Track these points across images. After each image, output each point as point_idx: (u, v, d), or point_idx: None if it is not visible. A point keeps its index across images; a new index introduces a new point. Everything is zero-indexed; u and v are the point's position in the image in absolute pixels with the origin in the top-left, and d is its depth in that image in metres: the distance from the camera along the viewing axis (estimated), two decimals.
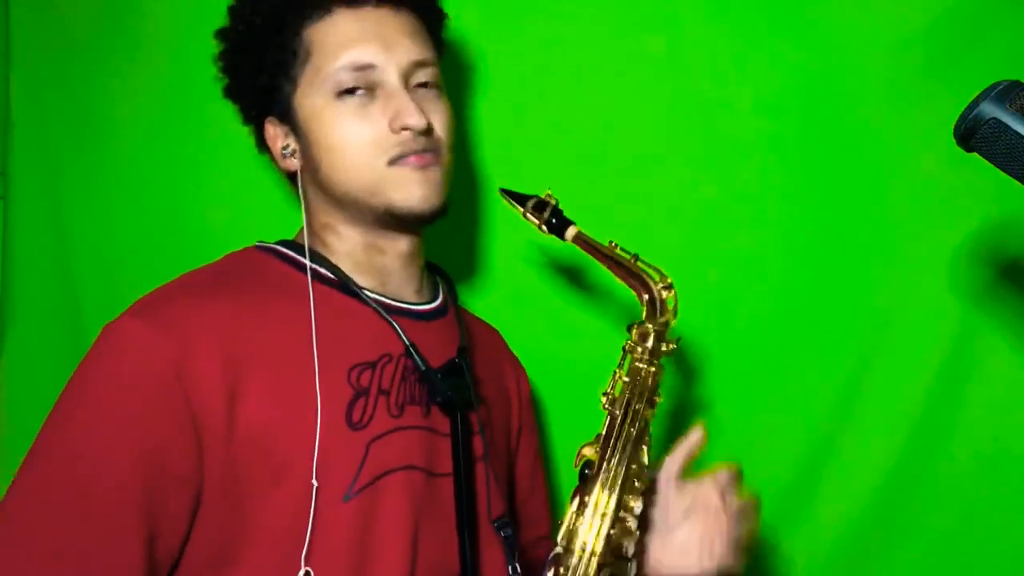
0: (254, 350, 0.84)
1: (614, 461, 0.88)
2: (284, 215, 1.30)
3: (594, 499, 0.86)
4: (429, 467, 0.89)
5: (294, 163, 0.96)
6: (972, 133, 0.71)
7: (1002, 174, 0.72)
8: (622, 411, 0.90)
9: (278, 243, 0.97)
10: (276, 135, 0.97)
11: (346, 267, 0.94)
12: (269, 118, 0.97)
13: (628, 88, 1.23)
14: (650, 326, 0.92)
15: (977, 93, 0.71)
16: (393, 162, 0.91)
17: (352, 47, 0.91)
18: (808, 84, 1.20)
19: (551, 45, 1.24)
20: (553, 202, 0.95)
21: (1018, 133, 0.69)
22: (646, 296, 0.92)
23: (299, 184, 0.98)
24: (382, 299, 0.94)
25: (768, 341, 1.26)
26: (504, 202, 0.99)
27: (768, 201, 1.23)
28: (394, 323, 0.91)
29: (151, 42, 1.32)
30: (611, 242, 0.94)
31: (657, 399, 0.93)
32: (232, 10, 0.98)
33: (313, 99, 0.92)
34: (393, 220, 0.93)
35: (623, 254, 0.93)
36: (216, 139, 1.30)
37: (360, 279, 0.94)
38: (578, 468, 0.90)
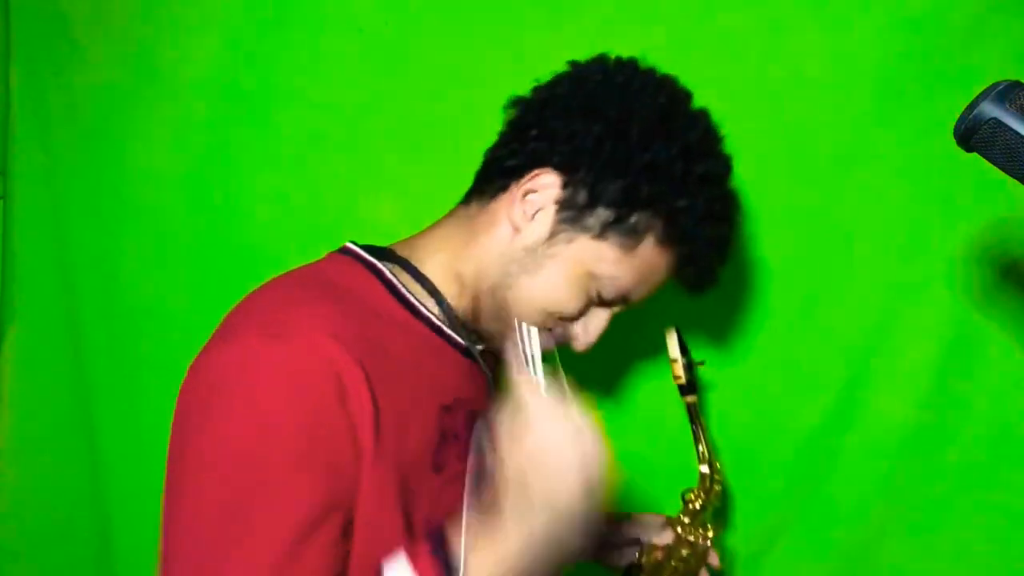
0: (378, 375, 0.75)
1: None
2: (285, 214, 1.31)
3: None
4: None
5: (526, 225, 0.85)
6: (972, 133, 0.71)
7: (1002, 174, 0.72)
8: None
9: (376, 255, 0.87)
10: (549, 186, 0.85)
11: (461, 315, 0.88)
12: (551, 168, 0.85)
13: None
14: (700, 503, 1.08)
15: (977, 93, 0.71)
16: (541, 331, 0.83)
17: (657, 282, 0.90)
18: (807, 83, 1.20)
19: (552, 45, 1.24)
20: (695, 374, 1.07)
21: (1018, 133, 0.69)
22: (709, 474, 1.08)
23: (493, 219, 0.87)
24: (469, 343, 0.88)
25: (767, 341, 1.26)
26: (666, 334, 1.04)
27: (767, 201, 1.23)
28: (485, 367, 0.88)
29: (151, 42, 1.32)
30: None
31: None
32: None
33: (603, 248, 0.84)
34: None
35: (706, 446, 1.07)
36: (216, 139, 1.30)
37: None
38: None
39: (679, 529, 1.07)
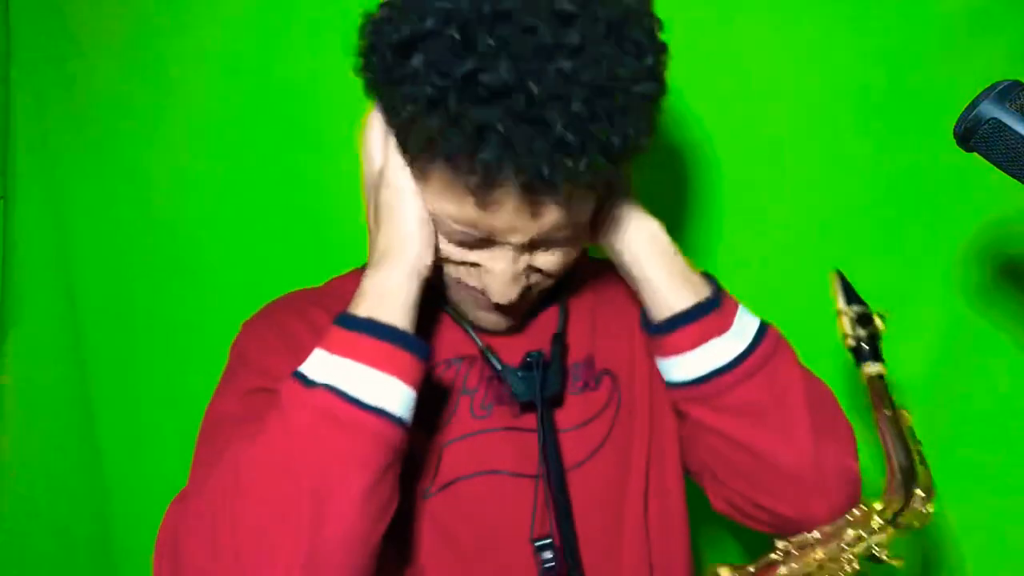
0: None
1: None
2: (286, 214, 1.31)
3: None
4: (518, 469, 0.83)
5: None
6: (972, 133, 0.71)
7: (1002, 174, 0.72)
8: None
9: None
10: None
11: None
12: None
13: None
14: (882, 517, 0.71)
15: (977, 93, 0.71)
16: None
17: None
18: (806, 83, 1.20)
19: None
20: (881, 327, 0.79)
21: (1018, 133, 0.69)
22: (903, 485, 0.71)
23: None
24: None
25: None
26: (831, 280, 0.82)
27: (766, 201, 1.23)
28: (469, 328, 0.85)
29: (152, 42, 1.32)
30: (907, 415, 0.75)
31: None
32: None
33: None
34: None
35: (911, 437, 0.73)
36: (217, 139, 1.30)
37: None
38: None
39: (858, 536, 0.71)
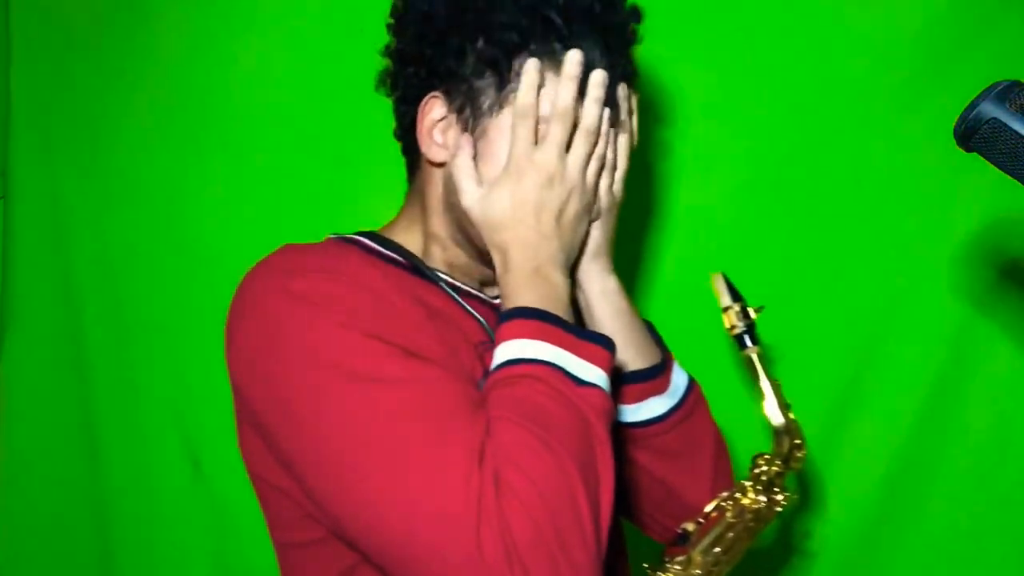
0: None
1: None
2: (286, 215, 1.31)
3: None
4: None
5: (443, 154, 0.83)
6: (972, 133, 0.71)
7: (1002, 174, 0.72)
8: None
9: (359, 234, 0.88)
10: (436, 111, 0.83)
11: (440, 268, 0.87)
12: (436, 93, 0.83)
13: None
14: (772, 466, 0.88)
15: (977, 93, 0.71)
16: None
17: None
18: (806, 83, 1.20)
19: None
20: (755, 318, 0.91)
21: (1018, 133, 0.69)
22: (784, 440, 0.89)
23: (427, 179, 0.86)
24: (473, 293, 0.87)
25: (767, 342, 1.26)
26: (714, 282, 0.92)
27: (766, 202, 1.23)
28: (476, 314, 0.84)
29: (152, 42, 1.32)
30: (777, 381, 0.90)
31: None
32: None
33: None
34: None
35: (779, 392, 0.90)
36: (216, 139, 1.30)
37: (451, 276, 0.87)
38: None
39: (744, 496, 0.87)
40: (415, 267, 0.85)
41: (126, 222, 1.35)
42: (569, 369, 0.71)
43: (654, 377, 0.89)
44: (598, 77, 0.80)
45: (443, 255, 0.87)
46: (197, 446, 1.36)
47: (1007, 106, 0.70)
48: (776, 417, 0.89)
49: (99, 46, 1.34)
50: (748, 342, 0.90)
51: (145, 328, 1.36)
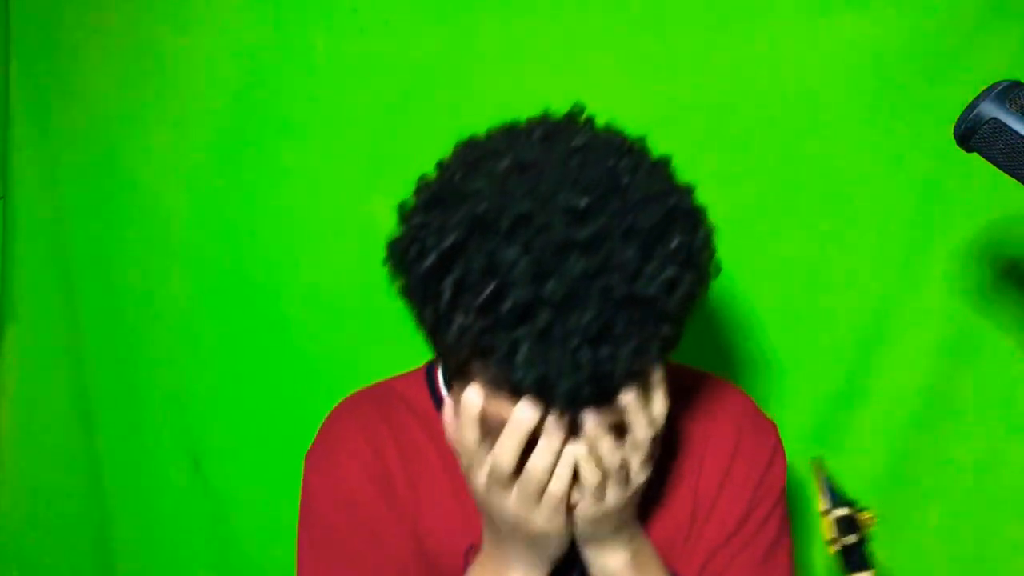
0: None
1: None
2: (286, 215, 1.31)
3: None
4: None
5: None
6: (972, 133, 0.71)
7: (1002, 174, 0.72)
8: None
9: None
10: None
11: None
12: None
13: (620, 89, 1.22)
14: None
15: (977, 93, 0.71)
16: None
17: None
18: (807, 83, 1.20)
19: (555, 44, 1.24)
20: (868, 528, 0.71)
21: (1018, 133, 0.69)
22: None
23: None
24: None
25: (766, 343, 1.26)
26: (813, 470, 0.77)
27: (766, 202, 1.23)
28: None
29: (152, 42, 1.32)
30: None
31: None
32: None
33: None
34: None
35: None
36: (217, 139, 1.30)
37: None
38: None
39: None
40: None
41: (126, 222, 1.35)
42: None
43: None
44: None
45: None
46: (197, 446, 1.36)
47: (1007, 106, 0.70)
48: None
49: (99, 47, 1.34)
50: (855, 566, 0.68)
51: (143, 327, 1.36)
